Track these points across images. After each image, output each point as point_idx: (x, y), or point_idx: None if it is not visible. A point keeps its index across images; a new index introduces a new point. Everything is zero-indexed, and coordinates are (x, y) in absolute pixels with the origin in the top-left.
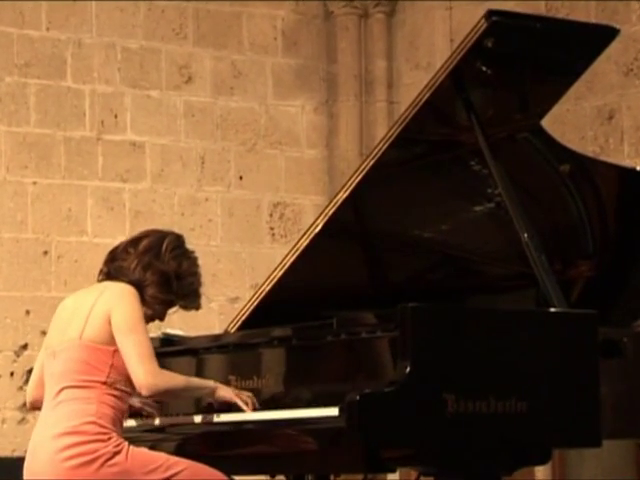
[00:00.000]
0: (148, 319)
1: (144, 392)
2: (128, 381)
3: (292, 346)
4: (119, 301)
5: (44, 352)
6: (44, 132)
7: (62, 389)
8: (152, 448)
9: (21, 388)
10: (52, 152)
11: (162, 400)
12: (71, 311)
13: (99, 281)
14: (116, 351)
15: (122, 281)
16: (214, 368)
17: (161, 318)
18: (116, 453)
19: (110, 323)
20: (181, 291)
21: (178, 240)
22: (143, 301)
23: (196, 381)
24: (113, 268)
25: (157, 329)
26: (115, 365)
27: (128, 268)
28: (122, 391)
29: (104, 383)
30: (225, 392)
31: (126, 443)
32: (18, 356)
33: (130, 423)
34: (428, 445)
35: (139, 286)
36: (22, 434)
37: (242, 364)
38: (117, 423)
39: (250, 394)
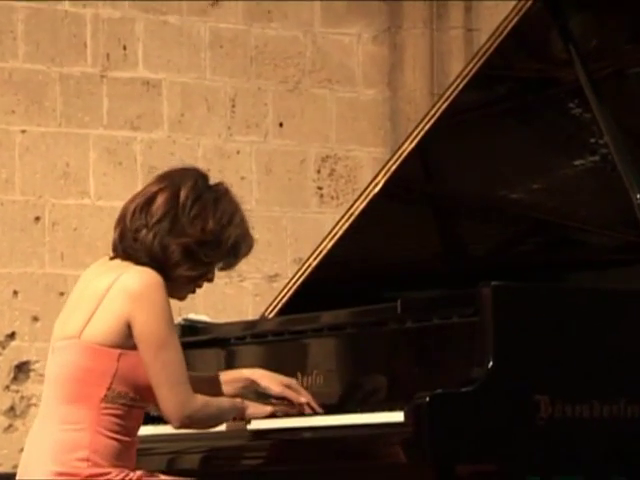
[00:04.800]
0: (180, 298)
1: (173, 424)
2: (138, 391)
3: (345, 335)
4: (141, 303)
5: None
6: (35, 68)
7: (57, 402)
8: (170, 462)
9: (8, 388)
10: (45, 93)
11: (190, 429)
12: (79, 293)
13: (112, 258)
14: (122, 354)
15: (141, 262)
16: (248, 363)
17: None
18: None
19: (126, 326)
20: (216, 257)
21: (197, 187)
22: (170, 280)
23: (226, 403)
24: (124, 248)
25: (177, 314)
26: (120, 373)
27: (143, 244)
28: (129, 406)
29: (102, 399)
30: (255, 409)
31: (132, 475)
32: (4, 348)
33: (142, 431)
34: (515, 459)
35: (163, 267)
36: (9, 445)
37: (282, 358)
38: (119, 454)
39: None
